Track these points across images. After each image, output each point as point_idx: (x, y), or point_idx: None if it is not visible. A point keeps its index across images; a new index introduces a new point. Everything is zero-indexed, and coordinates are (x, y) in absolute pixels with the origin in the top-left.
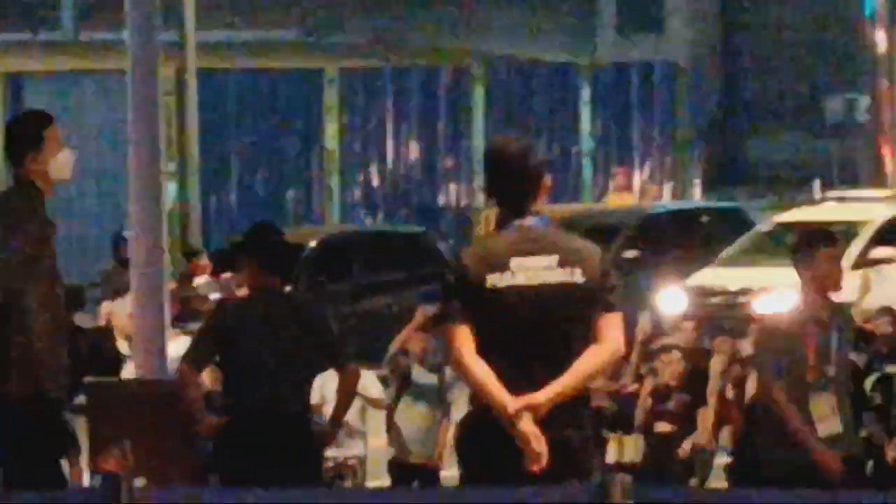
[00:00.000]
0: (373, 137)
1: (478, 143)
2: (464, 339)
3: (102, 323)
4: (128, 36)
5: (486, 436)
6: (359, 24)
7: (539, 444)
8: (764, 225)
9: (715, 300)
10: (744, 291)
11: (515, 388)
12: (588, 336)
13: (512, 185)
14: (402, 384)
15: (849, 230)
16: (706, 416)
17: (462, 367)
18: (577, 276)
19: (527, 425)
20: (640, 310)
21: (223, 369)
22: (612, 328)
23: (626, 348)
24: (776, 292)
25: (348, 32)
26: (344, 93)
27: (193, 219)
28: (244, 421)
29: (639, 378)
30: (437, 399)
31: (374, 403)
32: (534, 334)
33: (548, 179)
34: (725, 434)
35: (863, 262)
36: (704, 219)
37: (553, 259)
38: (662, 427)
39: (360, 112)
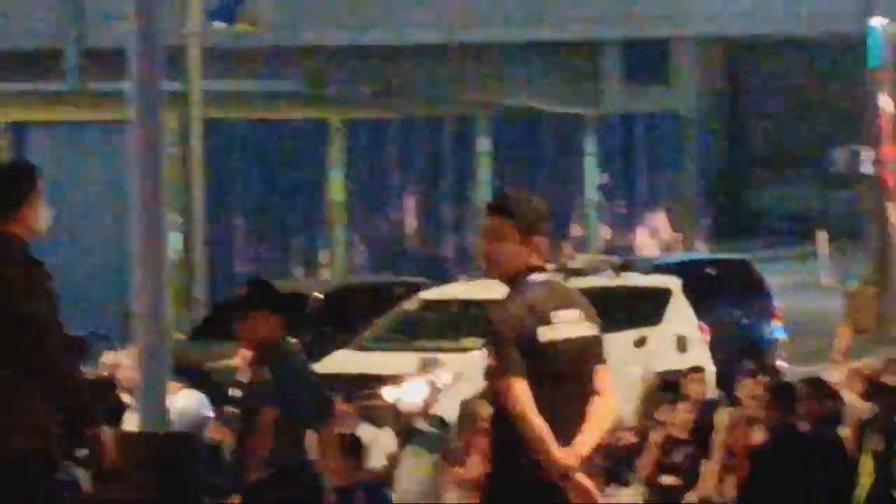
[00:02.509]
0: (377, 188)
1: (483, 193)
2: (525, 391)
3: (105, 373)
4: (131, 86)
5: (516, 485)
6: (364, 76)
7: (595, 495)
8: (410, 302)
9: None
10: (377, 378)
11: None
12: (591, 388)
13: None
14: (406, 435)
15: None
16: (711, 468)
17: (526, 419)
18: (594, 329)
19: (583, 478)
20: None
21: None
22: (609, 380)
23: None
24: (408, 380)
25: (353, 83)
26: (349, 143)
27: (198, 270)
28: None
29: (644, 429)
30: (440, 448)
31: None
32: (569, 386)
33: (542, 240)
34: (728, 485)
35: None
36: (710, 270)
37: (578, 313)
38: (668, 480)
39: (366, 163)
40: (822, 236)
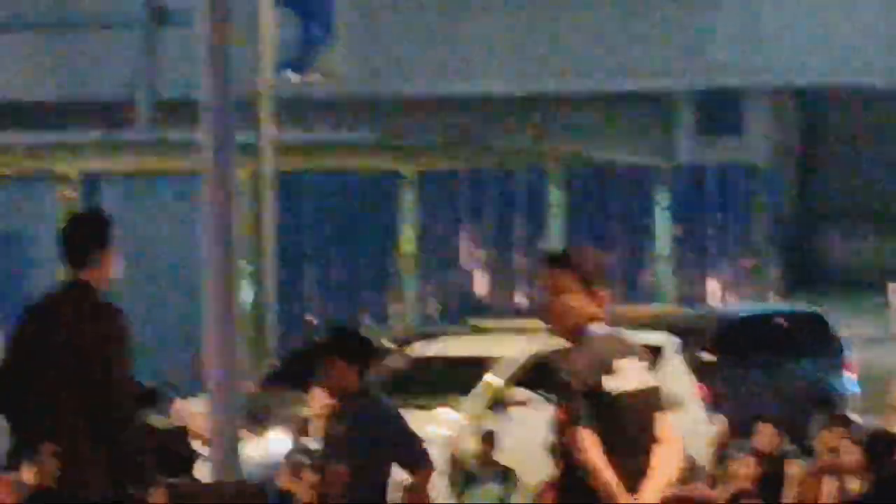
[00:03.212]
0: (449, 240)
1: (554, 244)
2: (594, 442)
3: (176, 422)
4: (203, 136)
5: None
6: (436, 127)
7: None
8: (394, 360)
9: None
10: None
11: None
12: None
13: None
14: (465, 481)
15: (483, 368)
16: None
17: (595, 470)
18: (655, 380)
19: None
20: (716, 413)
21: None
22: (671, 428)
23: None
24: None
25: (426, 134)
26: (421, 195)
27: (269, 320)
28: None
29: (713, 482)
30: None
31: None
32: (636, 436)
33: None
34: None
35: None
36: (782, 322)
37: (643, 363)
38: None
39: (437, 214)
40: (893, 288)
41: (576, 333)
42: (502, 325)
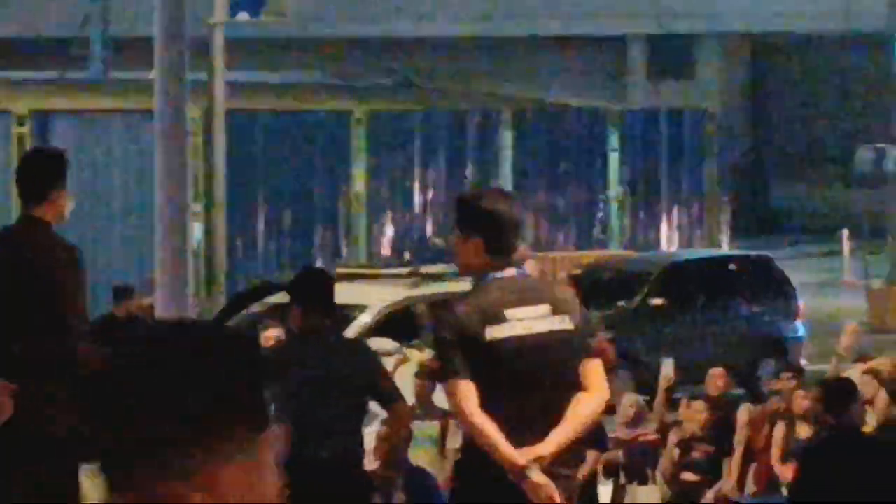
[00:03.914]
0: (400, 180)
1: (506, 187)
2: (468, 393)
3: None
4: (156, 75)
5: (484, 480)
6: (388, 68)
7: (552, 494)
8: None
9: None
10: None
11: (517, 438)
12: (576, 383)
13: (503, 238)
14: None
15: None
16: (733, 466)
17: (468, 422)
18: (568, 324)
19: (537, 476)
20: (664, 358)
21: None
22: (598, 374)
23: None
24: None
25: (377, 75)
26: (372, 134)
27: (219, 259)
28: (311, 475)
29: (663, 427)
30: (438, 445)
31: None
32: (532, 384)
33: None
34: (750, 482)
35: None
36: (732, 267)
37: (545, 308)
38: (688, 477)
39: (388, 154)
40: (845, 235)
41: (476, 280)
42: (369, 271)
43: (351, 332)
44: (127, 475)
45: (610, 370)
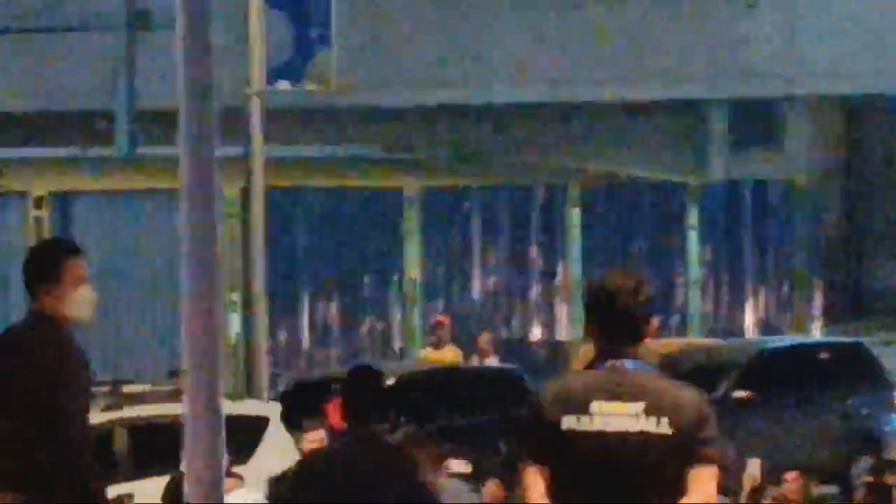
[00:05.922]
0: (457, 263)
1: (574, 269)
2: (535, 479)
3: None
4: (181, 147)
5: None
6: (442, 140)
7: None
8: None
9: None
10: None
11: None
12: (675, 488)
13: (612, 324)
14: None
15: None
16: None
17: None
18: (664, 427)
19: None
20: (750, 456)
21: None
22: (704, 481)
23: (734, 496)
24: None
25: (431, 148)
26: (426, 214)
27: (260, 355)
28: None
29: None
30: None
31: None
32: (608, 483)
33: (655, 321)
34: None
35: None
36: (824, 356)
37: (639, 406)
38: None
39: (444, 235)
40: None
41: (590, 364)
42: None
43: None
44: None
45: None
